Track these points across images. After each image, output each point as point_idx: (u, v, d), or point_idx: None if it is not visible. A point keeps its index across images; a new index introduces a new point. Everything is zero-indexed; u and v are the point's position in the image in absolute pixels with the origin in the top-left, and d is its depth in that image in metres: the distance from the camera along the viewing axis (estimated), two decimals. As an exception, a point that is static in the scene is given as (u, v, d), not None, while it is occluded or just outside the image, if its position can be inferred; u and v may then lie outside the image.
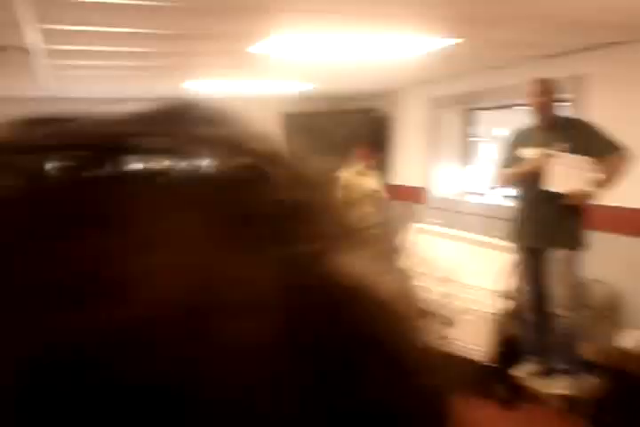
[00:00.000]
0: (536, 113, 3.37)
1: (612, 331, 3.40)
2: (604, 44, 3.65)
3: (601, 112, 3.82)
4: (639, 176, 3.44)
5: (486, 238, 4.34)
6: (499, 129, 5.14)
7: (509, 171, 3.40)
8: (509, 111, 4.96)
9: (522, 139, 3.43)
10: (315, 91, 5.84)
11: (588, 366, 3.28)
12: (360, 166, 5.05)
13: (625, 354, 3.21)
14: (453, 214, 5.20)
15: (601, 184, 3.09)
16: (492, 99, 5.03)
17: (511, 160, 3.42)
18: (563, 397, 3.19)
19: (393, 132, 6.39)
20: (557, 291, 3.25)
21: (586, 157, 3.11)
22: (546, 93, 3.30)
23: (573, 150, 3.17)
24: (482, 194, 5.32)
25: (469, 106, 5.46)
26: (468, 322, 3.83)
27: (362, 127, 6.12)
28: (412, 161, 6.02)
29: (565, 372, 3.22)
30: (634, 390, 3.09)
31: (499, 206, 4.90)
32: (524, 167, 3.26)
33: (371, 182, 5.07)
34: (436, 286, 4.17)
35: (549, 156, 3.14)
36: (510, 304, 3.85)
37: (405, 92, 6.04)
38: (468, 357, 3.83)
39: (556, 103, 3.35)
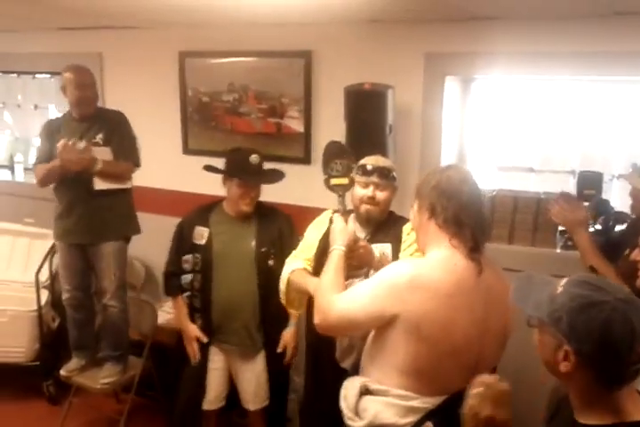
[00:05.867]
0: (76, 106, 3.11)
1: (155, 307, 3.57)
2: (116, 26, 3.64)
3: (114, 88, 3.90)
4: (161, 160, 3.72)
5: (15, 226, 3.99)
6: (24, 96, 4.69)
7: (45, 166, 3.09)
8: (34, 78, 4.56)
9: (55, 130, 3.14)
10: None
11: (135, 348, 3.39)
12: None
13: (160, 329, 3.44)
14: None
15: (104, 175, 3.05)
16: (8, 63, 4.52)
17: (46, 154, 3.11)
18: (109, 384, 3.24)
19: None
20: (105, 283, 3.19)
21: (109, 149, 3.07)
22: (87, 87, 3.08)
23: (105, 141, 3.08)
24: (8, 167, 4.83)
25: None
26: (1, 324, 3.50)
27: None
28: None
29: (113, 359, 3.26)
30: (173, 361, 3.36)
31: (25, 184, 4.56)
32: (57, 162, 2.99)
33: None
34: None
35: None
36: (49, 296, 3.67)
37: None
38: (7, 360, 3.54)
39: (95, 94, 3.15)
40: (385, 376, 1.61)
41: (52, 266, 3.64)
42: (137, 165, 3.19)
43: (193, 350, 2.77)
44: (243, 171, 2.63)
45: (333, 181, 1.94)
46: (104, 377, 3.22)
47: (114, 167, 3.07)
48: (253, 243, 2.68)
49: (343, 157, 1.93)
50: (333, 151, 1.95)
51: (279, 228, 2.68)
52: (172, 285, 2.85)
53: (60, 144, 2.94)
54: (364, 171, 2.30)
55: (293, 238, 2.63)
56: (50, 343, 3.63)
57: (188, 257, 2.75)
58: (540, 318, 1.22)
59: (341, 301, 1.63)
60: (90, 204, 3.10)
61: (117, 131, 3.14)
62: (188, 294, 2.80)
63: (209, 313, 2.73)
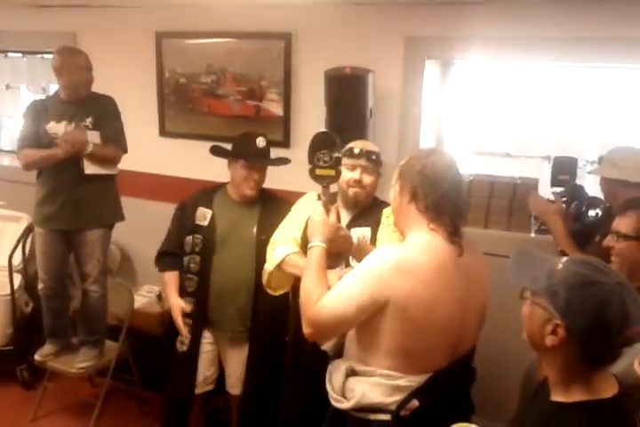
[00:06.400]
0: (70, 89, 3.01)
1: (131, 290, 3.54)
2: (91, 5, 3.60)
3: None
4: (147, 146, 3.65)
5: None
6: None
7: (37, 152, 2.99)
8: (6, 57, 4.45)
9: (42, 111, 3.04)
10: None
11: (111, 331, 3.36)
12: None
13: (136, 313, 3.42)
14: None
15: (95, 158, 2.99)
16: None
17: (32, 136, 3.02)
18: (85, 368, 3.22)
19: None
20: (87, 268, 3.14)
21: (98, 133, 3.00)
22: (85, 70, 2.99)
23: (95, 125, 3.01)
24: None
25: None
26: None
27: None
28: None
29: (89, 343, 3.23)
30: (149, 345, 3.35)
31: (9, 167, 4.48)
32: (58, 150, 2.91)
33: None
34: None
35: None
36: (22, 280, 3.62)
37: None
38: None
39: (92, 77, 3.05)
40: (370, 358, 1.64)
41: (25, 250, 3.58)
42: (125, 151, 3.14)
43: (181, 325, 2.65)
44: (248, 153, 2.59)
45: (319, 172, 1.86)
46: (80, 362, 3.19)
47: (104, 150, 3.01)
48: (255, 229, 2.63)
49: (332, 148, 1.86)
50: (322, 142, 1.86)
51: (281, 217, 2.59)
52: (167, 261, 2.75)
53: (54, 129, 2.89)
54: (352, 154, 2.30)
55: None
56: (23, 328, 3.57)
57: (188, 238, 2.67)
58: (535, 290, 1.24)
59: (329, 301, 1.60)
60: (76, 190, 3.03)
61: (106, 116, 3.07)
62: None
63: (205, 297, 2.66)
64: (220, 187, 2.77)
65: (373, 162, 2.31)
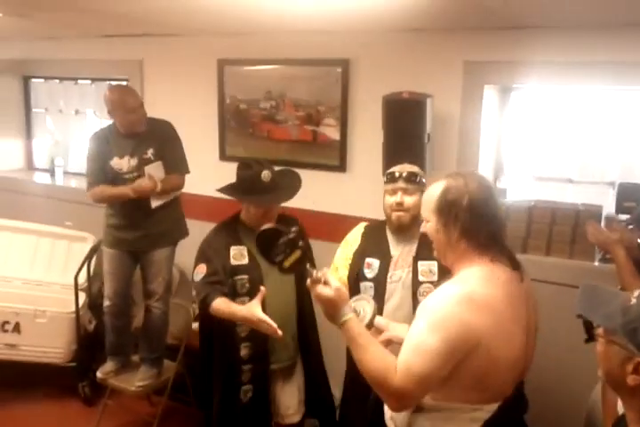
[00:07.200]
0: (126, 127, 3.11)
1: (189, 310, 3.61)
2: (157, 34, 3.74)
3: (154, 95, 3.93)
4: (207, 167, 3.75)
5: (55, 228, 4.08)
6: (66, 101, 4.82)
7: (107, 191, 3.11)
8: (73, 84, 4.70)
9: (103, 145, 3.15)
10: None
11: (169, 351, 3.44)
12: None
13: (194, 333, 3.47)
14: (16, 196, 4.72)
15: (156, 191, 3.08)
16: (52, 69, 4.67)
17: (99, 171, 3.13)
18: (144, 387, 3.29)
19: None
20: (153, 286, 3.26)
21: (160, 162, 3.12)
22: (137, 109, 3.06)
23: (156, 155, 3.12)
24: (49, 171, 4.96)
25: (27, 74, 4.97)
26: (40, 325, 3.58)
27: None
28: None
29: (149, 361, 3.31)
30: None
31: (65, 188, 4.69)
32: (124, 190, 3.04)
33: None
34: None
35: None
36: (86, 298, 3.74)
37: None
38: (45, 360, 3.62)
39: (145, 114, 3.13)
40: (442, 393, 1.57)
41: (89, 269, 3.71)
42: (187, 172, 3.25)
43: (270, 326, 2.23)
44: (256, 191, 2.46)
45: (287, 264, 1.75)
46: (139, 380, 3.27)
47: (169, 184, 3.13)
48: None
49: (280, 236, 1.76)
50: (266, 241, 1.78)
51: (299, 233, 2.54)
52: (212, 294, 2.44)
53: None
54: (391, 178, 2.35)
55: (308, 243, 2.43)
56: (86, 345, 3.69)
57: (230, 282, 2.48)
58: (610, 329, 1.18)
59: (414, 364, 1.48)
60: (145, 219, 3.15)
61: (166, 143, 3.15)
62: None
63: (264, 338, 2.44)
64: (234, 220, 2.62)
65: (412, 182, 2.32)
